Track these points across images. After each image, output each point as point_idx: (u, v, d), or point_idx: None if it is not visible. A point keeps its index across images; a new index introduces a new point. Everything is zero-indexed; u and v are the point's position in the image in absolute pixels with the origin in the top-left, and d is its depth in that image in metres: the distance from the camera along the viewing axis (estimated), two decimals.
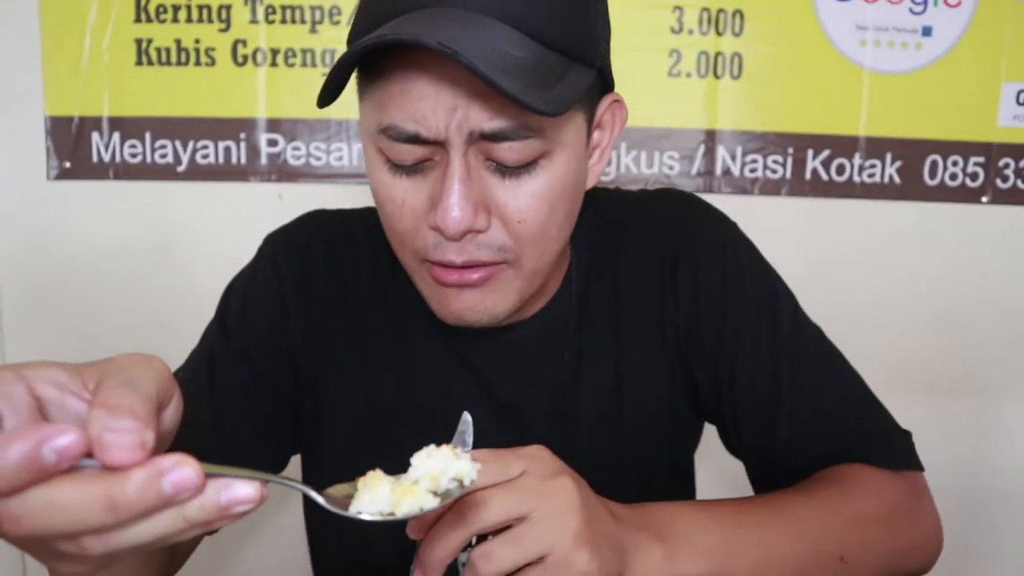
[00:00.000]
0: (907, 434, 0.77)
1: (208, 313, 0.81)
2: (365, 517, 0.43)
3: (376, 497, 0.43)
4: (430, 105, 0.60)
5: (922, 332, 1.53)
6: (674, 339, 0.78)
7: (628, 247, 0.80)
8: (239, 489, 0.35)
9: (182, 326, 0.81)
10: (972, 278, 1.52)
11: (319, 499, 0.43)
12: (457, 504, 0.49)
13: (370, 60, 0.61)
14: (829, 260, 1.50)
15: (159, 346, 0.87)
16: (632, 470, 0.78)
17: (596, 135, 0.71)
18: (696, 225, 0.80)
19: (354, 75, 0.64)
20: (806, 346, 0.77)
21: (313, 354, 0.79)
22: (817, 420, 0.75)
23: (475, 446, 0.77)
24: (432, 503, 0.44)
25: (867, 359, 0.82)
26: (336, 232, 0.83)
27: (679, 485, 0.86)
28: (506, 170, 0.63)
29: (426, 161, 0.63)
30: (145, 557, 0.62)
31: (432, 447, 0.46)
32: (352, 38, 0.64)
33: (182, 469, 0.34)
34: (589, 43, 0.64)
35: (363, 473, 0.45)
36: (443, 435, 0.77)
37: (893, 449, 0.75)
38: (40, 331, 1.53)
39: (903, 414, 0.79)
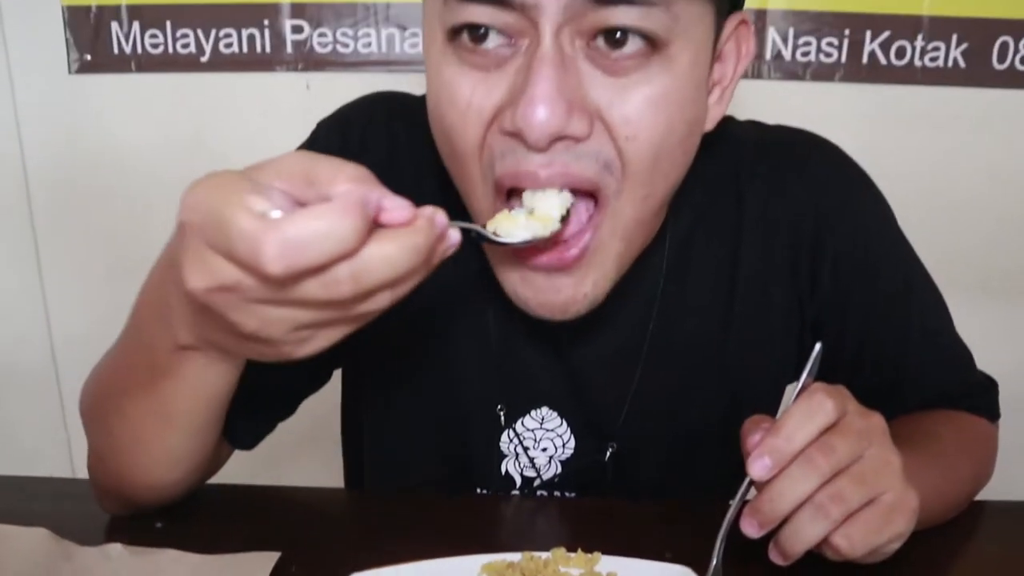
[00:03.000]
0: (996, 384, 0.80)
1: None
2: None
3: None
4: None
5: (985, 229, 1.45)
6: (797, 312, 0.73)
7: (750, 212, 0.70)
8: (454, 235, 0.42)
9: None
10: None
11: (487, 233, 0.52)
12: (803, 453, 0.48)
13: None
14: (887, 152, 1.41)
15: None
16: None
17: (717, 69, 0.59)
18: (839, 202, 0.71)
19: None
20: (933, 316, 0.77)
21: None
22: (937, 378, 0.76)
23: (534, 405, 0.72)
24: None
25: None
26: (400, 129, 0.71)
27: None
28: (614, 63, 0.51)
29: (506, 46, 0.52)
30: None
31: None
32: None
33: (440, 216, 0.41)
34: None
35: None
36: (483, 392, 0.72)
37: (991, 401, 0.79)
38: (71, 227, 1.52)
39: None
